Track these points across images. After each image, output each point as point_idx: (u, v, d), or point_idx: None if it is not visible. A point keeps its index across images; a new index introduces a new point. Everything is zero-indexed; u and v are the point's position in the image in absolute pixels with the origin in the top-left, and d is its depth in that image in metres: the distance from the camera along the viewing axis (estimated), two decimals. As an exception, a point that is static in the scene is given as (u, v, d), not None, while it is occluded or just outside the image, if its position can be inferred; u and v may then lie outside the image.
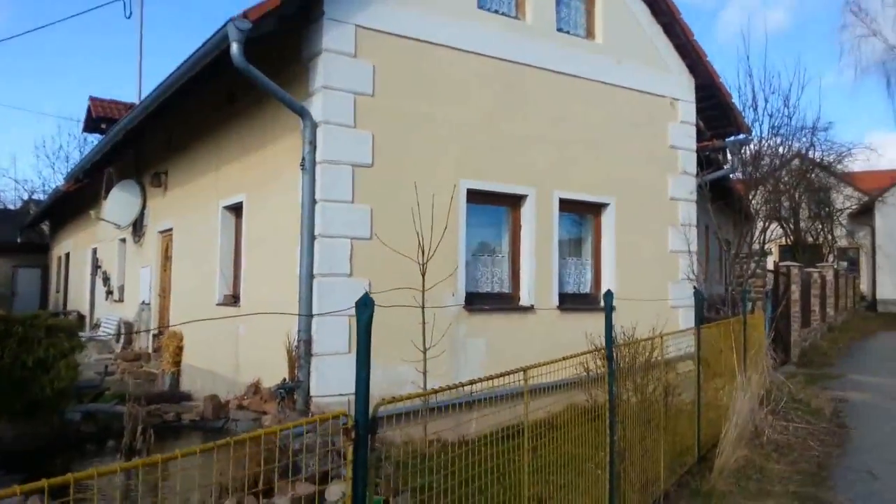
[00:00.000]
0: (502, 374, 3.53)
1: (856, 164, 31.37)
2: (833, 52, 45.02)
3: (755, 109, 10.50)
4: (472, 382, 3.34)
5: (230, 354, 8.56)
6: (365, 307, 2.54)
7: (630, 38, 9.71)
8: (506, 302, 8.33)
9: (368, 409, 2.41)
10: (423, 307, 6.31)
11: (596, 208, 9.36)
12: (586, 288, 9.36)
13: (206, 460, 2.23)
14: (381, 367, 6.99)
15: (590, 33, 9.48)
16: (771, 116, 10.63)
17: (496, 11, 8.48)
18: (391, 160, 7.28)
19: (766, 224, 12.62)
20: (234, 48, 6.28)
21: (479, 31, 8.14)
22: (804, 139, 24.60)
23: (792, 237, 29.07)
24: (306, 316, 6.75)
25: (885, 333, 23.56)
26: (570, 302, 8.86)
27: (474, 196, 7.98)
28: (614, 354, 5.01)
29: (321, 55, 6.97)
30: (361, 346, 2.45)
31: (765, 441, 7.61)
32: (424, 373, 6.34)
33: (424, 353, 6.35)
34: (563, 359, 4.16)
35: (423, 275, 6.35)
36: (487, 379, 3.38)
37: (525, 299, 8.37)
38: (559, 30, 9.07)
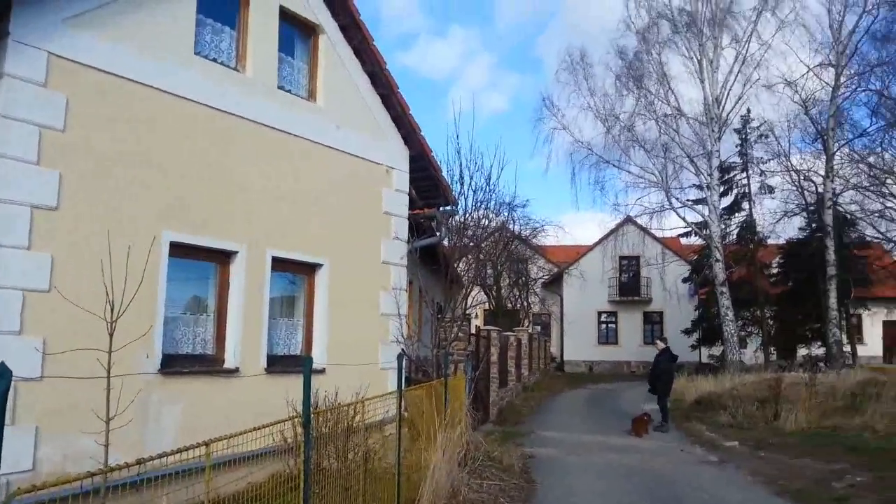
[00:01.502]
0: (181, 450, 3.20)
1: (548, 239, 35.49)
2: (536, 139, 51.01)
3: (462, 184, 11.35)
4: (149, 459, 2.98)
5: None
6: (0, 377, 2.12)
7: (350, 105, 9.97)
8: (209, 364, 7.81)
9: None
10: (108, 370, 5.62)
11: (310, 269, 9.29)
12: (297, 350, 9.16)
13: None
14: (54, 441, 6.10)
15: (311, 95, 9.56)
16: (475, 192, 11.55)
17: (214, 60, 8.19)
18: (82, 204, 6.53)
19: (468, 290, 13.53)
20: None
21: (195, 77, 7.77)
22: (505, 214, 27.23)
23: (494, 302, 31.72)
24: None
25: (570, 391, 26.45)
26: (280, 364, 8.59)
27: (179, 249, 7.46)
28: (314, 421, 4.86)
29: (1, 80, 6.10)
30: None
31: (461, 500, 7.92)
32: (106, 446, 5.61)
33: (107, 423, 5.63)
34: (255, 429, 3.91)
35: (111, 334, 5.69)
36: (162, 456, 3.04)
37: (230, 361, 7.93)
38: (280, 87, 9.01)
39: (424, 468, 7.65)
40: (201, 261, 7.96)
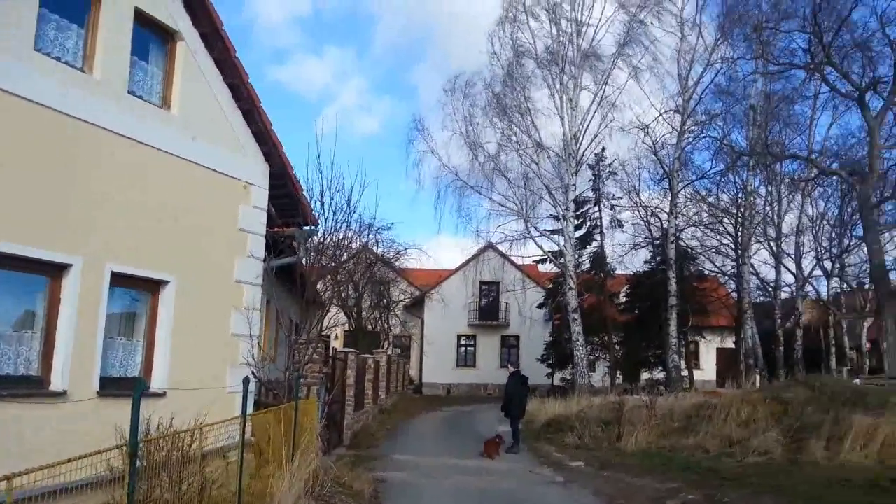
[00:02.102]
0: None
1: (411, 262, 35.77)
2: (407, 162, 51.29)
3: (322, 203, 11.20)
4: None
5: None
6: None
7: (208, 117, 9.60)
8: (33, 387, 7.17)
9: None
10: None
11: (155, 285, 8.78)
12: (137, 372, 8.61)
13: None
14: None
15: (166, 103, 9.11)
16: (335, 212, 11.43)
17: (58, 59, 7.63)
18: None
19: (325, 311, 13.35)
20: None
21: (33, 75, 7.20)
22: (368, 235, 27.20)
23: (355, 324, 31.48)
24: None
25: (426, 414, 26.58)
26: (116, 387, 8.00)
27: (5, 260, 6.84)
28: (144, 449, 4.57)
29: None
30: None
31: (306, 528, 7.71)
32: None
33: None
34: (69, 460, 3.60)
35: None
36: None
37: (58, 384, 7.31)
38: (132, 93, 8.52)
39: (270, 496, 7.39)
40: (30, 273, 7.32)
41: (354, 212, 11.97)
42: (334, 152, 15.68)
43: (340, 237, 12.55)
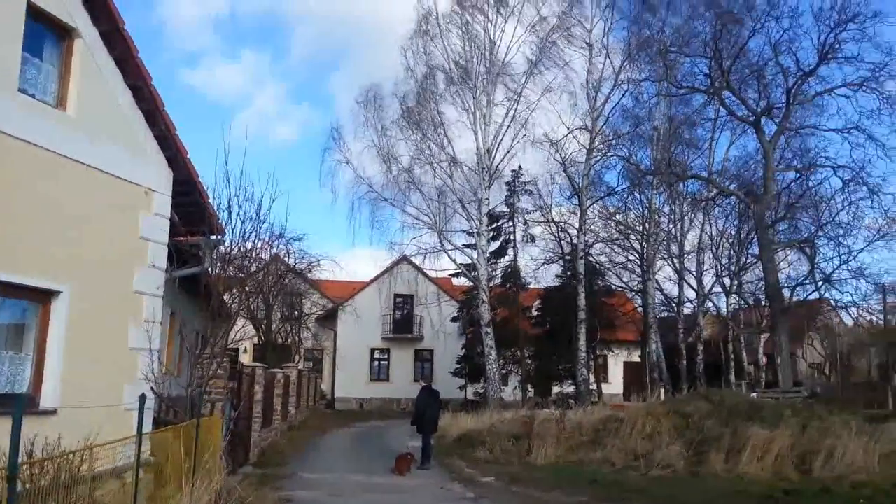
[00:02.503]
0: None
1: (324, 274, 35.21)
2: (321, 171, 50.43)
3: (230, 213, 10.82)
4: None
5: None
6: None
7: (108, 119, 9.12)
8: None
9: None
10: None
11: (46, 295, 8.23)
12: (25, 387, 8.02)
13: None
14: None
15: (61, 103, 8.60)
16: (244, 222, 11.06)
17: (-62, 51, 7.09)
18: None
19: (232, 323, 12.90)
20: None
21: None
22: (279, 246, 26.61)
23: (264, 337, 30.67)
24: None
25: (338, 430, 26.10)
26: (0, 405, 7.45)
27: None
28: (26, 471, 4.21)
29: None
30: None
31: (206, 552, 7.35)
32: None
33: None
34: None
35: None
36: None
37: (-70, 401, 6.73)
38: (22, 90, 8.00)
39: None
40: None
41: (264, 221, 11.59)
42: (244, 159, 15.20)
43: (249, 247, 12.11)
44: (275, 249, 25.43)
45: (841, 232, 27.18)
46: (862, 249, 27.84)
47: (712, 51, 25.86)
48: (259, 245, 12.39)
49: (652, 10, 29.76)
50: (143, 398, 6.07)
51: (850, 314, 35.25)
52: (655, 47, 28.07)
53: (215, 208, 10.90)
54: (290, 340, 33.62)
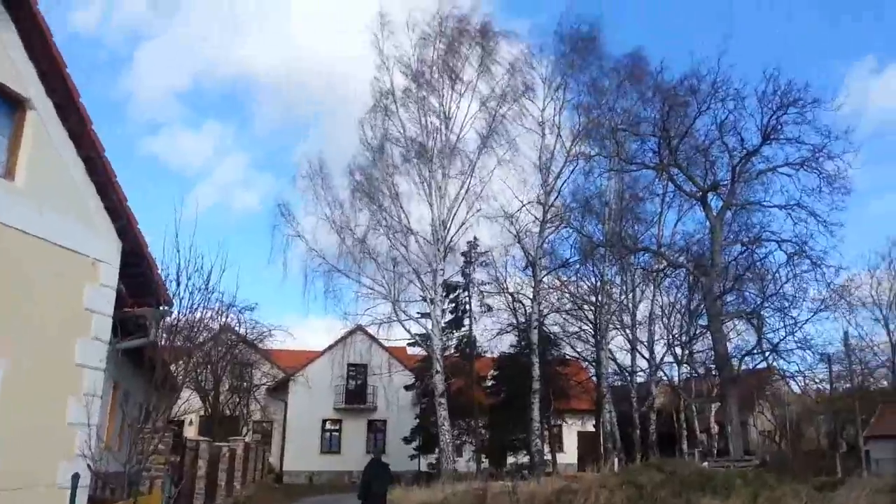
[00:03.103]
0: None
1: (275, 343, 34.67)
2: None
3: (179, 284, 10.72)
4: None
5: None
6: None
7: (58, 190, 9.08)
8: None
9: None
10: None
11: (-19, 369, 7.99)
12: (-49, 465, 7.69)
13: None
14: None
15: (9, 173, 8.55)
16: (192, 293, 10.97)
17: None
18: None
19: (177, 396, 12.62)
20: None
21: None
22: (230, 316, 26.27)
23: (211, 409, 29.88)
24: None
25: (284, 504, 25.27)
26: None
27: None
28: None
29: None
30: None
31: None
32: None
33: None
34: None
35: None
36: None
37: None
38: (-30, 161, 7.96)
39: None
40: None
41: (214, 292, 11.51)
42: (195, 230, 15.13)
43: (197, 318, 11.97)
44: (225, 319, 25.08)
45: (786, 303, 27.91)
46: (807, 320, 28.57)
47: (660, 130, 26.93)
48: (208, 316, 12.27)
49: (602, 94, 31.11)
50: (76, 477, 5.89)
51: (797, 383, 35.95)
52: (605, 127, 29.12)
53: (164, 279, 10.81)
54: (238, 412, 32.76)
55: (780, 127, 26.12)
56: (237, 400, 32.96)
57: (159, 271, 10.70)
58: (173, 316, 11.26)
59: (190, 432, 28.23)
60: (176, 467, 12.97)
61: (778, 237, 27.69)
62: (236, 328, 30.05)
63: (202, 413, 29.60)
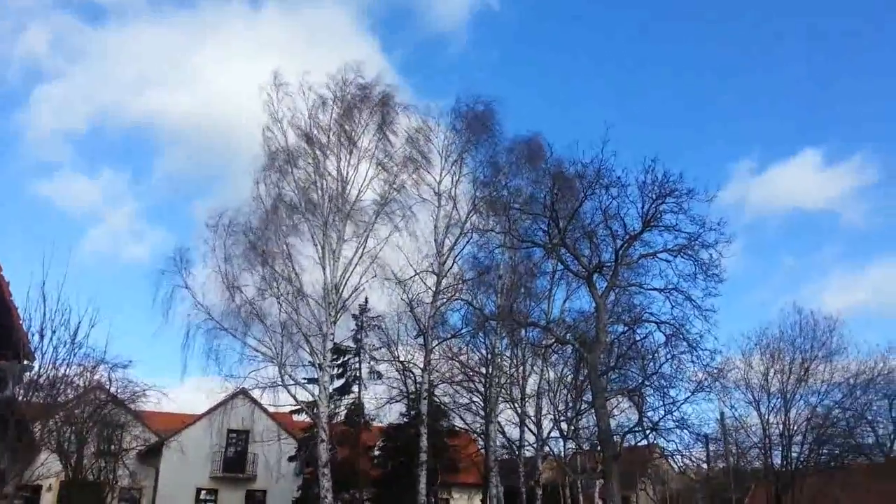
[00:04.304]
0: None
1: (148, 405, 32.64)
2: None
3: (42, 337, 10.10)
4: None
5: None
6: None
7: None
8: None
9: None
10: None
11: None
12: None
13: None
14: None
15: None
16: (56, 348, 10.34)
17: None
18: None
19: (33, 458, 11.72)
20: None
21: None
22: (100, 373, 24.78)
23: (72, 474, 27.73)
24: None
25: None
26: None
27: None
28: None
29: None
30: None
31: None
32: None
33: None
34: None
35: None
36: None
37: None
38: None
39: None
40: None
41: (81, 347, 10.86)
42: (64, 282, 14.33)
43: (61, 374, 11.28)
44: (93, 377, 23.51)
45: (665, 383, 28.92)
46: (685, 400, 29.58)
47: (550, 211, 27.97)
48: (74, 372, 11.60)
49: (497, 171, 32.19)
50: None
51: (676, 462, 37.06)
52: (499, 203, 29.97)
53: (26, 331, 10.19)
54: (103, 478, 30.49)
55: (659, 215, 27.54)
56: (103, 464, 30.69)
57: (21, 321, 10.09)
58: (34, 371, 10.55)
59: (47, 499, 26.04)
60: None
61: (657, 318, 28.84)
62: (106, 386, 28.20)
63: (63, 478, 27.40)
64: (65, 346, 10.26)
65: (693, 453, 32.20)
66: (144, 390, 31.40)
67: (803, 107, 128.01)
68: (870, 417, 35.20)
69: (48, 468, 20.33)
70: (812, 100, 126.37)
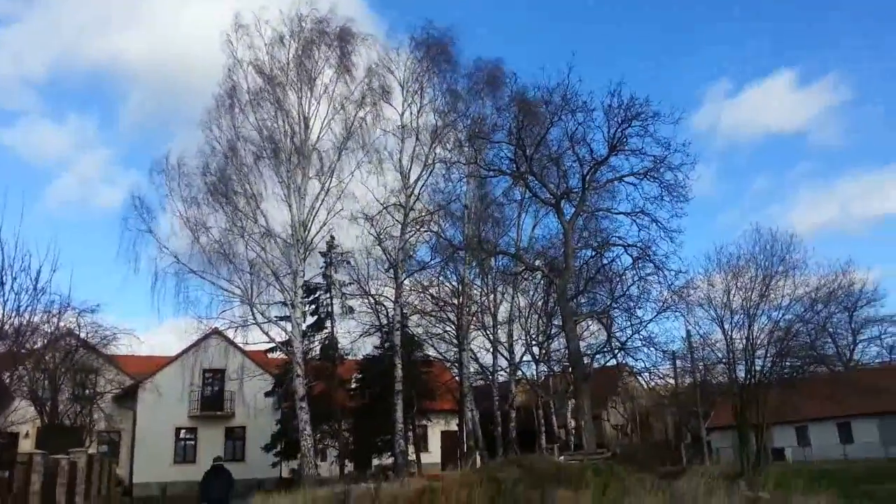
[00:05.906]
0: None
1: (121, 349, 32.53)
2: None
3: (3, 284, 9.90)
4: None
5: None
6: None
7: None
8: None
9: None
10: None
11: None
12: None
13: None
14: None
15: None
16: (18, 295, 10.16)
17: None
18: None
19: (8, 405, 11.70)
20: None
21: None
22: (67, 319, 24.54)
23: (48, 419, 27.76)
24: None
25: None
26: None
27: None
28: None
29: None
30: None
31: None
32: None
33: None
34: None
35: None
36: None
37: None
38: None
39: None
40: None
41: (44, 293, 10.66)
42: (20, 227, 14.05)
43: (25, 321, 11.14)
44: (60, 323, 23.25)
45: (632, 304, 29.61)
46: (651, 320, 30.41)
47: (516, 139, 27.86)
48: (39, 319, 11.44)
49: (458, 99, 31.82)
50: None
51: (644, 379, 38.24)
52: (462, 133, 29.73)
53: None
54: (79, 422, 30.57)
55: (625, 139, 27.67)
56: (79, 409, 30.74)
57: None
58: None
59: (26, 445, 26.09)
60: (6, 484, 12.00)
61: (624, 242, 29.35)
62: (76, 332, 27.96)
63: (39, 424, 27.42)
64: (27, 292, 10.09)
65: (661, 370, 33.27)
66: (115, 334, 31.30)
67: (779, 27, 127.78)
68: (830, 329, 36.45)
69: (22, 415, 20.33)
70: (789, 18, 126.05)
